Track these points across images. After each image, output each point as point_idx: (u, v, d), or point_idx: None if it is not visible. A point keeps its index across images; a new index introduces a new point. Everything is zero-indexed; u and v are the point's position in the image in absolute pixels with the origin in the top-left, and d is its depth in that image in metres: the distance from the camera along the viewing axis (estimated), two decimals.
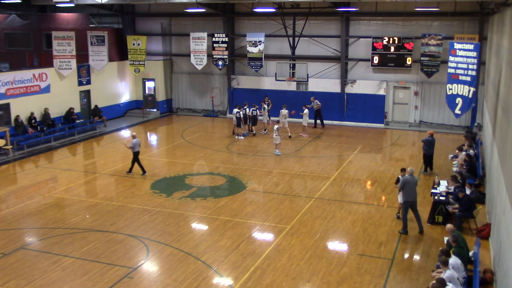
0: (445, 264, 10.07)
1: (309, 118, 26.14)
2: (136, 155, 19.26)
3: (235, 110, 25.07)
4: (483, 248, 12.63)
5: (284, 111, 25.29)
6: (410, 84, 27.53)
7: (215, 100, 31.62)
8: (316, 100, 27.20)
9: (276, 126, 22.13)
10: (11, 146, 22.54)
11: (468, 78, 16.38)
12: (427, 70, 26.11)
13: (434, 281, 9.60)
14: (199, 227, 14.71)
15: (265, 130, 26.51)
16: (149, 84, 32.34)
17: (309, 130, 26.32)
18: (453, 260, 10.33)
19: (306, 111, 25.63)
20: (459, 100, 16.84)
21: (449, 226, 12.00)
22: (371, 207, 16.12)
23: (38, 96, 25.27)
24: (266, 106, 26.57)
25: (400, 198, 14.40)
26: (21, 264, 12.27)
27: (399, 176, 14.57)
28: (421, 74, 26.52)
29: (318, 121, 27.64)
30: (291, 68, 26.59)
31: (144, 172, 19.33)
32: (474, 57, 16.26)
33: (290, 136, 25.19)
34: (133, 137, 19.35)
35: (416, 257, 12.80)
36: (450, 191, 15.55)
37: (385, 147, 24.25)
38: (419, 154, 21.13)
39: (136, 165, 19.36)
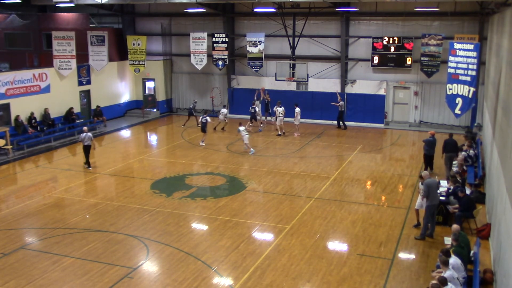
0: (445, 264, 10.06)
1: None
2: (85, 148, 20.03)
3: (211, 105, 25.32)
4: (483, 248, 12.63)
5: (280, 109, 25.57)
6: (410, 84, 27.53)
7: (215, 100, 31.62)
8: (341, 102, 27.22)
9: (241, 127, 22.53)
10: (11, 146, 22.53)
11: (468, 78, 16.39)
12: (427, 70, 26.11)
13: (434, 281, 9.59)
14: (199, 227, 14.71)
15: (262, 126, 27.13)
16: (149, 84, 32.34)
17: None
18: (453, 260, 10.32)
19: (297, 110, 25.69)
20: (459, 100, 16.85)
21: (454, 226, 11.91)
22: (371, 207, 16.12)
23: (38, 96, 25.26)
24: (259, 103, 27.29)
25: (418, 204, 14.12)
26: (21, 264, 12.26)
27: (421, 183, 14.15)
28: (421, 74, 26.52)
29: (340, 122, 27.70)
30: (291, 68, 26.59)
31: (88, 165, 20.26)
32: (474, 57, 16.26)
33: (283, 134, 25.74)
34: (83, 131, 20.15)
35: (416, 257, 12.80)
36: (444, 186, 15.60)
37: (385, 147, 24.26)
38: (419, 154, 21.14)
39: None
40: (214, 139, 25.23)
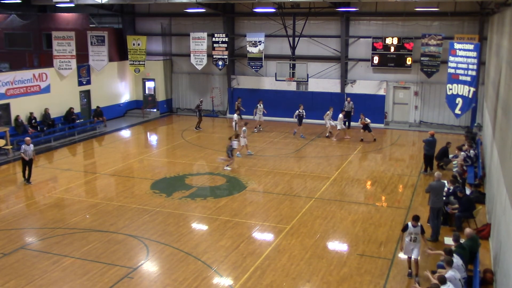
0: (449, 264, 10.03)
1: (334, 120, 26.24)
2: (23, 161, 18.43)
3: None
4: (483, 248, 12.63)
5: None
6: (410, 84, 27.53)
7: (215, 100, 31.63)
8: (351, 102, 27.17)
9: (243, 128, 22.01)
10: (11, 146, 22.53)
11: (468, 78, 16.41)
12: (427, 70, 26.10)
13: (434, 281, 9.59)
14: (199, 227, 14.71)
15: (259, 127, 27.02)
16: (149, 84, 32.34)
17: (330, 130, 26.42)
18: (455, 260, 10.28)
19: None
20: (459, 100, 16.87)
21: (467, 230, 11.74)
22: (371, 207, 16.12)
23: (38, 96, 25.26)
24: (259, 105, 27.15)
25: (408, 251, 11.64)
26: (21, 264, 12.26)
27: (408, 223, 11.64)
28: (421, 74, 26.52)
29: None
30: (291, 68, 26.59)
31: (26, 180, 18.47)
32: (474, 57, 16.28)
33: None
34: (26, 141, 18.47)
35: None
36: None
37: (385, 147, 24.25)
38: (419, 154, 21.14)
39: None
40: (214, 139, 25.23)
